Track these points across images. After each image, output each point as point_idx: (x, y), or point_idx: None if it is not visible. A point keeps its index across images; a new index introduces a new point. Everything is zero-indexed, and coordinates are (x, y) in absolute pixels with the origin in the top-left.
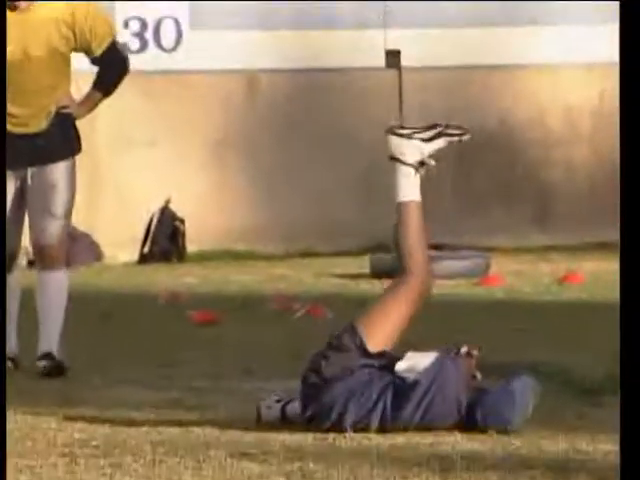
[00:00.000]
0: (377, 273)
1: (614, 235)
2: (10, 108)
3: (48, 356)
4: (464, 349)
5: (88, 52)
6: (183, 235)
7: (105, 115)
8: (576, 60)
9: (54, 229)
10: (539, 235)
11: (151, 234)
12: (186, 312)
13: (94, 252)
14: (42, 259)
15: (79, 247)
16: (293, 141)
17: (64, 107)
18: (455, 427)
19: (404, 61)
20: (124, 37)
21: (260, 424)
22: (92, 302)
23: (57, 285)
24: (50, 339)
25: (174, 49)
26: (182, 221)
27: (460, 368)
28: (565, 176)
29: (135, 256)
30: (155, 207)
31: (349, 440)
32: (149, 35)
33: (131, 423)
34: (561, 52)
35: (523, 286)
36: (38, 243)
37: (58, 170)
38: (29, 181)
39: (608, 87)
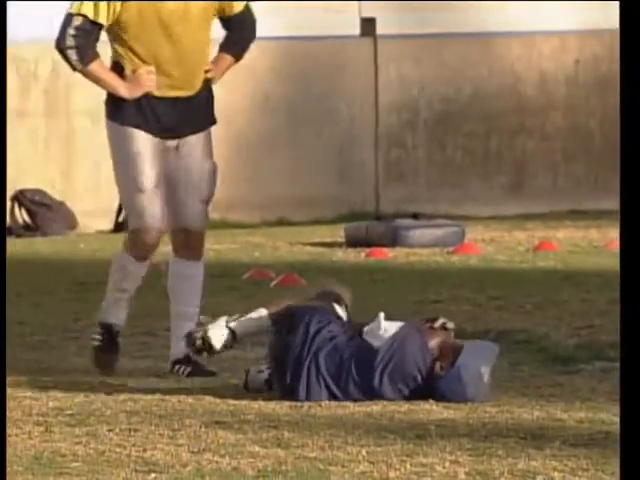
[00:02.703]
0: (352, 242)
1: (589, 204)
2: (166, 66)
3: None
4: (440, 322)
5: (224, 12)
6: None
7: (80, 83)
8: (551, 29)
9: (204, 214)
10: (514, 204)
11: None
12: (162, 281)
13: (68, 221)
14: (187, 245)
15: (54, 216)
16: (268, 110)
17: (207, 71)
18: (430, 395)
19: (379, 29)
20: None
21: (240, 391)
22: (67, 271)
23: (199, 278)
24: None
25: None
26: None
27: (424, 338)
28: (540, 145)
29: (110, 225)
30: None
31: (324, 409)
32: None
33: (106, 392)
34: (536, 21)
35: (498, 255)
36: (186, 228)
37: (204, 143)
38: (179, 150)
39: (583, 56)
